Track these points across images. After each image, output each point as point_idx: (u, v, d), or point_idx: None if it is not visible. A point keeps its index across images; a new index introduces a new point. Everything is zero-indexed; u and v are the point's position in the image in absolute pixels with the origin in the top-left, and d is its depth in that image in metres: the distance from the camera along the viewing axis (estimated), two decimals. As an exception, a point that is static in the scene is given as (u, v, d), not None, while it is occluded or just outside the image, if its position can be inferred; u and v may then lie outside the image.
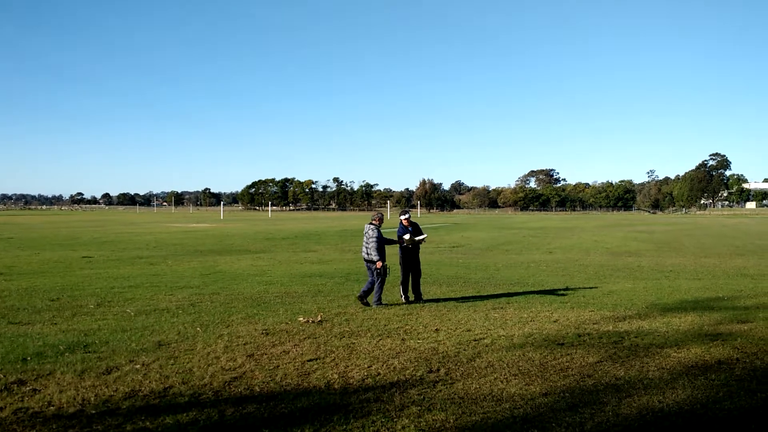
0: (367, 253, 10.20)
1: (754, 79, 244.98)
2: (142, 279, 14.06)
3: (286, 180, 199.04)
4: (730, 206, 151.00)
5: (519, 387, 5.42)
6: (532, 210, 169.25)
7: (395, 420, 4.60)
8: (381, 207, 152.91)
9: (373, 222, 10.40)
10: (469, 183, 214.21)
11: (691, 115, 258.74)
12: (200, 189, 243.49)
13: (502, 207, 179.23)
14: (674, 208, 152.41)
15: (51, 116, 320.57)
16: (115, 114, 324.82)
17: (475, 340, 7.29)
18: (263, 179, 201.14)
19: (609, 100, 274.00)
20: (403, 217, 10.75)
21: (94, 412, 4.79)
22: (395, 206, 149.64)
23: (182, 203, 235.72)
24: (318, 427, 4.45)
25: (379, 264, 10.00)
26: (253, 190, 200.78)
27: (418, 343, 7.20)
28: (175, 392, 5.30)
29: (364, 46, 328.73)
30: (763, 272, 15.97)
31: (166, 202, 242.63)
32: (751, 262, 19.31)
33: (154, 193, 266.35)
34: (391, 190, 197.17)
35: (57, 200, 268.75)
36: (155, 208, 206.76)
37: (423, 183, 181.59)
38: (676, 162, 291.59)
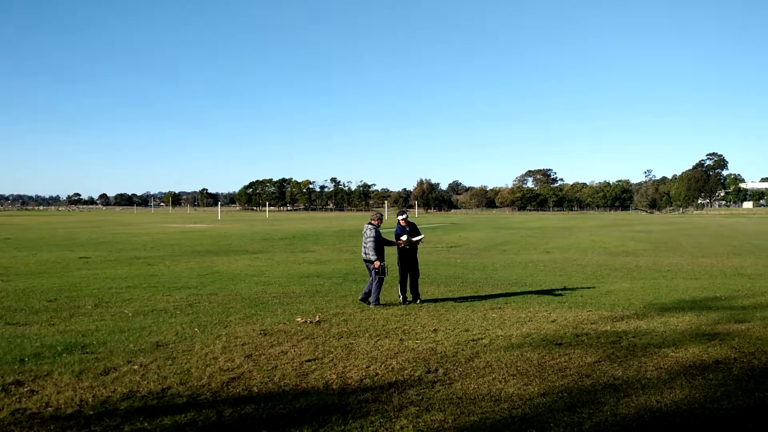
0: (365, 253, 10.21)
1: (752, 79, 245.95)
2: (140, 279, 14.03)
3: (284, 180, 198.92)
4: (727, 206, 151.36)
5: (517, 387, 5.42)
6: (530, 210, 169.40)
7: (393, 420, 4.60)
8: (378, 207, 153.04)
9: (372, 222, 10.41)
10: (467, 183, 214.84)
11: (689, 115, 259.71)
12: (198, 189, 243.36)
13: (500, 207, 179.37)
14: (671, 208, 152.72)
15: (49, 116, 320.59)
16: (113, 114, 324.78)
17: (473, 341, 7.29)
18: (261, 179, 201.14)
19: (606, 100, 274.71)
20: (400, 218, 10.75)
21: (92, 413, 4.78)
22: (393, 206, 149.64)
23: (180, 204, 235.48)
24: (316, 428, 4.45)
25: (377, 263, 10.01)
26: (251, 190, 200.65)
27: (417, 343, 7.20)
28: (173, 393, 5.29)
29: (362, 47, 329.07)
30: (761, 272, 16.02)
31: (163, 202, 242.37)
32: (748, 261, 19.36)
33: (152, 193, 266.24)
34: (388, 190, 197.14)
35: (54, 201, 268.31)
36: (153, 208, 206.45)
37: (420, 183, 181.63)
38: (674, 162, 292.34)
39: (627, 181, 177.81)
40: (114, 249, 24.82)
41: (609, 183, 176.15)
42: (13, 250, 23.75)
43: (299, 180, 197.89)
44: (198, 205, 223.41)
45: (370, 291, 10.13)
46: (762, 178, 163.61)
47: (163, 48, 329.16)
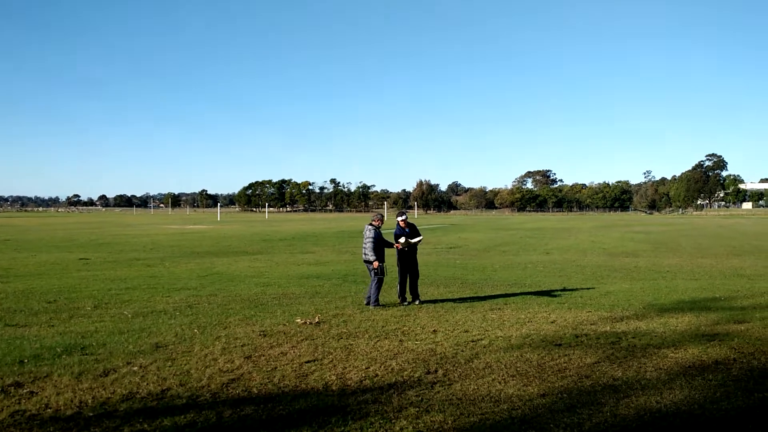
0: (365, 254, 10.22)
1: (751, 80, 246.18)
2: (139, 281, 14.03)
3: (283, 181, 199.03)
4: (727, 207, 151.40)
5: (517, 388, 5.42)
6: (529, 211, 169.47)
7: (393, 421, 4.60)
8: (378, 208, 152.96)
9: (373, 222, 10.42)
10: (466, 184, 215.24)
11: (688, 116, 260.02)
12: (197, 190, 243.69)
13: (499, 208, 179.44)
14: (671, 209, 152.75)
15: (48, 118, 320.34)
16: (112, 116, 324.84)
17: (472, 341, 7.29)
18: (260, 181, 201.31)
19: (606, 101, 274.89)
20: (400, 219, 10.75)
21: (91, 414, 4.78)
22: (392, 207, 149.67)
23: (179, 205, 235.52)
24: (316, 429, 4.45)
25: (375, 264, 10.01)
26: (250, 191, 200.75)
27: (416, 344, 7.20)
28: (172, 394, 5.29)
29: (361, 48, 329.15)
30: (760, 272, 16.03)
31: (163, 203, 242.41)
32: (748, 262, 19.37)
33: (151, 194, 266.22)
34: (388, 191, 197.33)
35: (53, 202, 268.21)
36: (152, 209, 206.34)
37: (420, 184, 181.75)
38: (673, 163, 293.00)
39: (626, 182, 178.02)
40: (113, 250, 24.81)
41: (608, 184, 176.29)
42: (13, 252, 23.74)
43: (299, 181, 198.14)
44: (197, 207, 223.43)
45: None
46: (761, 179, 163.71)
47: (163, 50, 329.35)
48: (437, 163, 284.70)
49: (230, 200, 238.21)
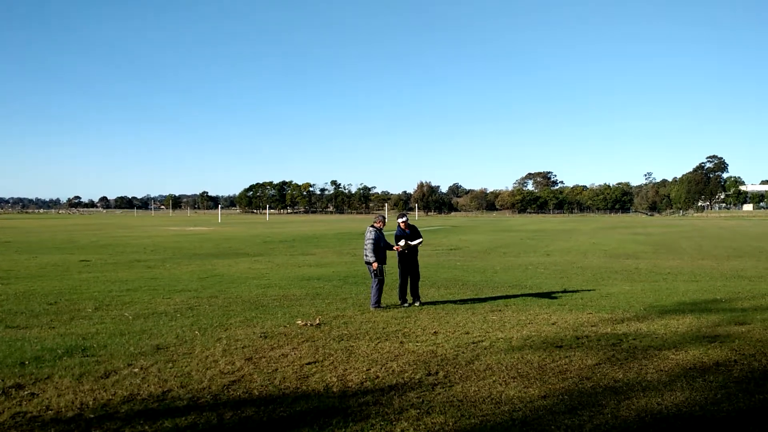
0: (365, 255, 10.23)
1: (752, 82, 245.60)
2: (140, 282, 14.04)
3: (284, 183, 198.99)
4: (728, 208, 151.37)
5: (518, 390, 5.42)
6: (530, 212, 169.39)
7: (394, 423, 4.60)
8: (379, 210, 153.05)
9: (375, 224, 10.44)
10: (467, 185, 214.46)
11: (689, 118, 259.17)
12: (198, 192, 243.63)
13: (500, 209, 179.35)
14: (671, 211, 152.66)
15: (49, 119, 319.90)
16: (112, 117, 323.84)
17: (473, 343, 7.30)
18: (261, 182, 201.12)
19: (606, 102, 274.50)
20: (400, 221, 10.76)
21: (92, 416, 4.78)
22: (393, 209, 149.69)
23: (180, 206, 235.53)
24: (317, 431, 4.45)
25: (374, 265, 10.02)
26: (251, 193, 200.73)
27: (417, 346, 7.20)
28: (173, 396, 5.29)
29: (362, 50, 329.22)
30: (761, 274, 16.02)
31: (163, 205, 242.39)
32: (749, 264, 19.36)
33: (152, 196, 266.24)
34: (388, 192, 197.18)
35: (54, 204, 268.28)
36: (153, 211, 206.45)
37: (421, 186, 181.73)
38: (674, 164, 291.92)
39: (627, 184, 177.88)
40: (114, 252, 24.82)
41: (609, 185, 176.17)
42: (14, 254, 23.76)
43: (299, 183, 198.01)
44: (198, 208, 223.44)
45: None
46: (762, 181, 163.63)
47: (163, 51, 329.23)
48: (438, 164, 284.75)
49: (231, 202, 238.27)
